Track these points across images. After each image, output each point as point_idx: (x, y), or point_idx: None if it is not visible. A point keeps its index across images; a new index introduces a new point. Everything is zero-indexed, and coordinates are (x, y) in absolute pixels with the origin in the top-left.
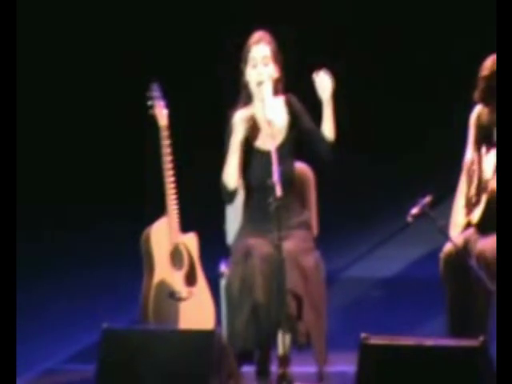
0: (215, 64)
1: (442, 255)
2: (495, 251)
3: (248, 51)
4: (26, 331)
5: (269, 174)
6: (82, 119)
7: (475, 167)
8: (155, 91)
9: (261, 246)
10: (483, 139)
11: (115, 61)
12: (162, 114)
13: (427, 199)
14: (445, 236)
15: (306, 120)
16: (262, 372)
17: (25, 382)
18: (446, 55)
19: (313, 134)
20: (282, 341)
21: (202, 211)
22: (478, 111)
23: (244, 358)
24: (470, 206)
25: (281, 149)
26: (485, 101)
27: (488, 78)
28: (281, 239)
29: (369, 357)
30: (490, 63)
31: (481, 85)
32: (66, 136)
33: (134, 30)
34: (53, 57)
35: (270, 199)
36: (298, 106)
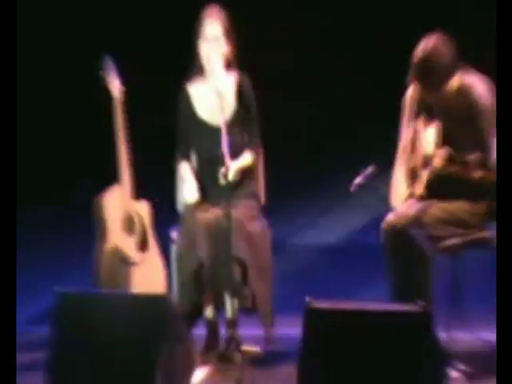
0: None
1: (384, 224)
2: (432, 214)
3: (200, 25)
4: None
5: (218, 146)
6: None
7: (414, 141)
8: (107, 63)
9: (208, 213)
10: (420, 115)
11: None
12: (114, 84)
13: (370, 169)
14: (387, 205)
15: (252, 117)
16: (211, 335)
17: None
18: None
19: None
20: (230, 304)
21: (157, 180)
22: (412, 90)
23: (193, 320)
24: (413, 178)
25: (230, 121)
26: (419, 80)
27: (420, 60)
28: (229, 208)
29: (313, 320)
30: (420, 48)
31: (415, 67)
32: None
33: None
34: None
35: (220, 170)
36: (249, 93)
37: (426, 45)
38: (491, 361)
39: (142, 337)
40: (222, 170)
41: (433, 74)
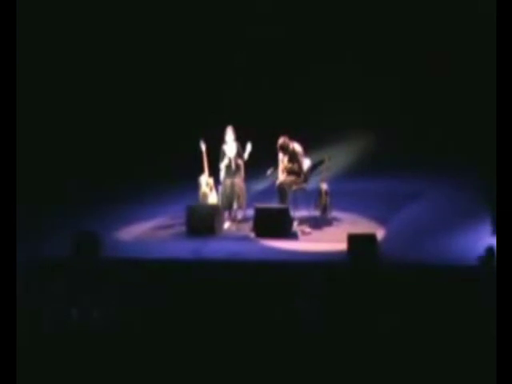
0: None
1: (277, 184)
2: (288, 181)
3: (225, 135)
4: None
5: (231, 160)
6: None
7: (282, 162)
8: (202, 141)
9: (228, 180)
10: (284, 156)
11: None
12: (203, 146)
13: (272, 168)
14: (275, 179)
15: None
16: (231, 215)
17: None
18: None
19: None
20: (235, 205)
21: (216, 170)
22: (280, 151)
23: (225, 210)
24: (283, 172)
25: (235, 154)
26: (282, 149)
27: (281, 143)
28: (234, 178)
29: (257, 211)
30: (281, 139)
31: (280, 145)
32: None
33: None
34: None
35: (232, 167)
36: (240, 148)
37: (283, 138)
38: (312, 221)
39: (208, 214)
40: (232, 166)
41: (285, 146)
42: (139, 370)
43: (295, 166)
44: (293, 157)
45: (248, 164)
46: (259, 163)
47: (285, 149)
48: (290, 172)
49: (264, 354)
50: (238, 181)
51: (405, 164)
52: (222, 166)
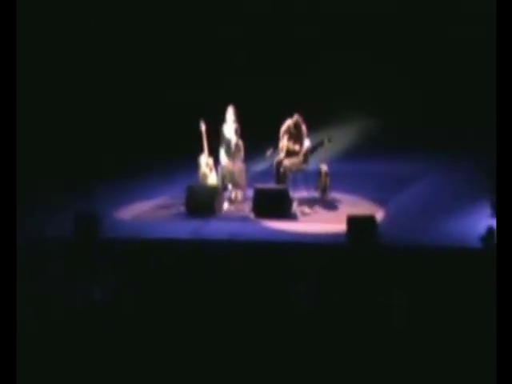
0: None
1: (276, 161)
2: (289, 163)
3: (226, 113)
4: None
5: (230, 141)
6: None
7: (283, 144)
8: (202, 121)
9: (228, 163)
10: (285, 134)
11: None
12: (202, 126)
13: (272, 149)
14: (274, 158)
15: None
16: (230, 196)
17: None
18: None
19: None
20: (235, 186)
21: (216, 152)
22: (286, 141)
23: (224, 190)
24: (283, 150)
25: (234, 133)
26: (295, 128)
27: (292, 123)
28: (234, 161)
29: (257, 191)
30: (285, 125)
31: (293, 124)
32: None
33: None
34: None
35: (231, 148)
36: (238, 129)
37: (297, 116)
38: (310, 202)
39: (208, 194)
40: (231, 147)
41: (298, 125)
42: (138, 348)
43: (297, 147)
44: (299, 138)
45: (248, 145)
46: (259, 144)
47: (296, 127)
48: (290, 153)
49: (262, 335)
50: (238, 162)
51: (405, 146)
52: (221, 146)
